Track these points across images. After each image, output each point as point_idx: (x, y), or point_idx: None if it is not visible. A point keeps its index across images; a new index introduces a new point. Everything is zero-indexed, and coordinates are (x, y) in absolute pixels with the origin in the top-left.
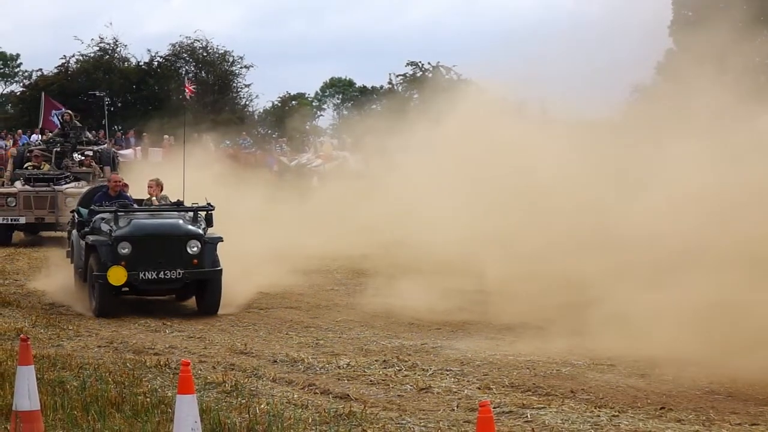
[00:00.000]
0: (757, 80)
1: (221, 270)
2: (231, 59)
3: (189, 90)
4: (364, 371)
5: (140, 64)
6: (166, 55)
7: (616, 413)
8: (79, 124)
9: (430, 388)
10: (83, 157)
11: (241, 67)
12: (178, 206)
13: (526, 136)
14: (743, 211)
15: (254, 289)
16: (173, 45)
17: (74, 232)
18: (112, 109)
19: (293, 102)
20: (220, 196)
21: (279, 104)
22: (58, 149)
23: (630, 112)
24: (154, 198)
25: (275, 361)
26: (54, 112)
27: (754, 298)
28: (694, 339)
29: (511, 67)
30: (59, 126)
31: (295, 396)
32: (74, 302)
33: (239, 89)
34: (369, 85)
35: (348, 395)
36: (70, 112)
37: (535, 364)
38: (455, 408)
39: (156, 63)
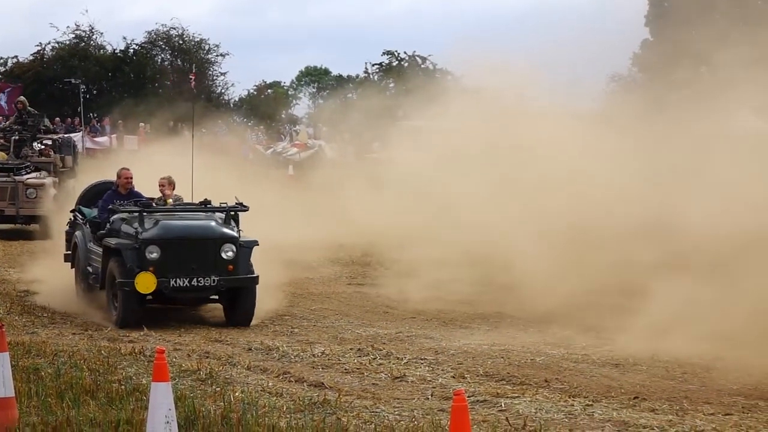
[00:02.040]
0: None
1: (257, 277)
2: (207, 47)
3: (194, 79)
4: (339, 359)
5: (116, 51)
6: (142, 43)
7: (590, 402)
8: (34, 111)
9: (405, 376)
10: (42, 146)
11: (217, 55)
12: (206, 206)
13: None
14: None
15: None
16: (149, 32)
17: (77, 234)
18: (87, 96)
19: (269, 90)
20: (204, 185)
21: (255, 92)
22: (17, 138)
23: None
24: (170, 200)
25: (250, 349)
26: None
27: None
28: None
29: (487, 57)
30: (11, 111)
31: (270, 384)
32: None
33: (215, 77)
34: (345, 74)
35: (323, 383)
36: (23, 99)
37: (510, 353)
38: (429, 397)
39: (132, 50)
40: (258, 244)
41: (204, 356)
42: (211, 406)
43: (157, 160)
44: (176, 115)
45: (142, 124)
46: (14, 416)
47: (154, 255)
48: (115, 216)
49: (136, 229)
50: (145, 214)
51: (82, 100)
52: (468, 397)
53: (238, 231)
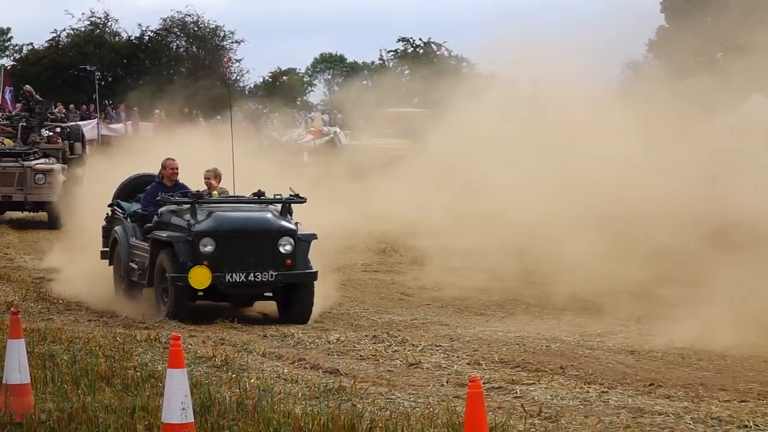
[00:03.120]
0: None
1: (316, 273)
2: (222, 34)
3: (228, 67)
4: (354, 346)
5: (131, 38)
6: (157, 30)
7: (606, 389)
8: (41, 98)
9: (420, 363)
10: (50, 133)
11: (232, 42)
12: (260, 197)
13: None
14: None
15: None
16: (164, 19)
17: (117, 229)
18: (102, 83)
19: (284, 77)
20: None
21: (270, 79)
22: (24, 124)
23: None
24: (215, 192)
25: (265, 336)
26: (8, 89)
27: None
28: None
29: (503, 44)
30: (17, 103)
31: (285, 371)
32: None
33: (231, 64)
34: (360, 61)
35: (338, 370)
36: (29, 87)
37: (525, 340)
38: (445, 383)
39: (147, 37)
40: (316, 238)
41: (219, 343)
42: (227, 392)
43: (173, 147)
44: (192, 102)
45: (157, 111)
46: (30, 402)
47: (209, 248)
48: (163, 208)
49: (188, 221)
50: (197, 205)
51: (97, 87)
52: (483, 383)
53: (297, 224)
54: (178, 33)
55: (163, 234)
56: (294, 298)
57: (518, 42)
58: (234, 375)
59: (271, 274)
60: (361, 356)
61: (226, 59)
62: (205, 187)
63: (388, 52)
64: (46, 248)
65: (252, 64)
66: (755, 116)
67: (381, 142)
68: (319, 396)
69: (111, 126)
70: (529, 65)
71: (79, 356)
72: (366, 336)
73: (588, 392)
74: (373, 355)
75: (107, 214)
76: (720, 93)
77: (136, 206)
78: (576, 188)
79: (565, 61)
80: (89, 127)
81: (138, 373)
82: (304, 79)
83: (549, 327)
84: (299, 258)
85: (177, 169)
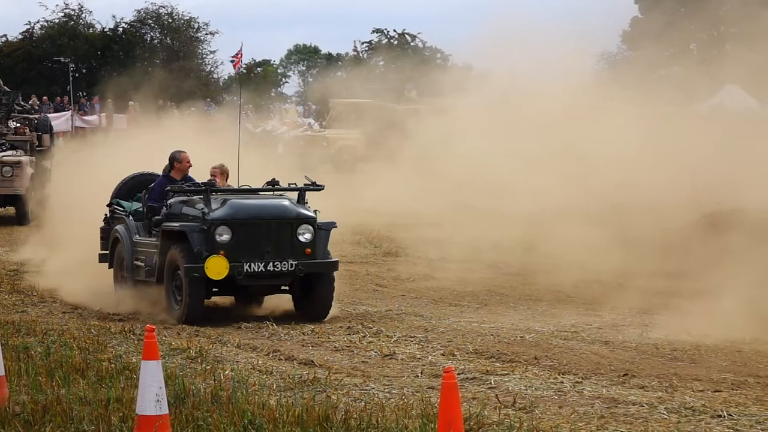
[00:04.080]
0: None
1: (337, 262)
2: (196, 26)
3: (239, 58)
4: (329, 338)
5: (105, 30)
6: (131, 21)
7: (580, 380)
8: (8, 89)
9: (395, 354)
10: (18, 125)
11: (206, 34)
12: (274, 185)
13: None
14: None
15: None
16: (138, 11)
17: (119, 228)
18: (77, 75)
19: (258, 69)
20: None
21: (244, 71)
22: None
23: None
24: None
25: (240, 327)
26: None
27: None
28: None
29: (478, 36)
30: None
31: (260, 362)
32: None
33: (204, 56)
34: (334, 52)
35: (312, 361)
36: None
37: (499, 330)
38: (419, 374)
39: (121, 29)
40: (336, 226)
41: (194, 334)
42: (201, 384)
43: (148, 140)
44: (166, 94)
45: (131, 102)
46: (4, 395)
47: (225, 237)
48: (173, 199)
49: (202, 209)
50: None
51: (71, 79)
52: (458, 374)
53: (315, 212)
54: (153, 25)
55: (176, 224)
56: (312, 291)
57: (493, 33)
58: (208, 366)
59: (291, 264)
60: (335, 347)
61: (239, 52)
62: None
63: (362, 43)
64: (19, 240)
65: (226, 56)
66: (729, 106)
67: (332, 133)
68: (293, 387)
69: (85, 118)
70: (504, 57)
71: (53, 348)
72: (341, 327)
73: (562, 382)
74: (347, 346)
75: (105, 215)
76: (694, 83)
77: (137, 205)
78: (562, 180)
79: (539, 53)
80: (63, 119)
81: (112, 365)
82: (279, 71)
83: (523, 318)
84: (319, 247)
85: (190, 162)
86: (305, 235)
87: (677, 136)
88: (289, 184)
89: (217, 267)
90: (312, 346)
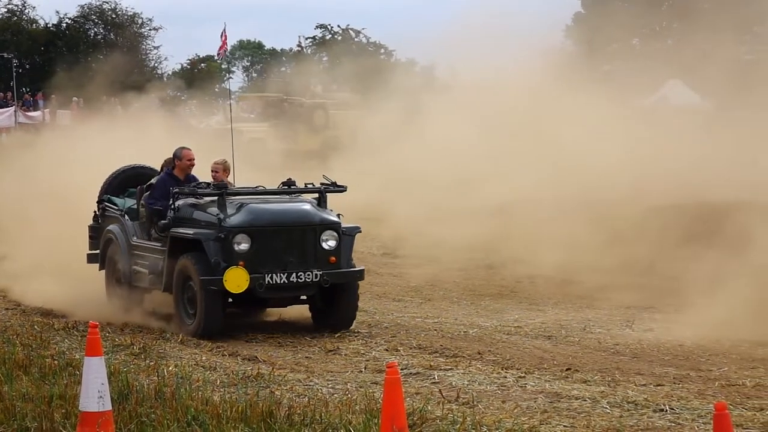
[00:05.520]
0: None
1: (363, 271)
2: (140, 21)
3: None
4: (272, 333)
5: (49, 25)
6: (75, 17)
7: (523, 374)
8: None
9: (338, 349)
10: None
11: (150, 29)
12: (290, 186)
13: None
14: None
15: None
16: (82, 7)
17: (113, 228)
18: (20, 71)
19: (202, 64)
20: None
21: (188, 66)
22: None
23: None
24: None
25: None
26: None
27: None
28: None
29: (421, 31)
30: None
31: (204, 358)
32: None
33: (148, 51)
34: (278, 48)
35: (256, 357)
36: None
37: (443, 325)
38: (363, 369)
39: (65, 25)
40: (360, 231)
41: (137, 331)
42: (145, 380)
43: (90, 135)
44: (109, 89)
45: (75, 98)
46: None
47: (244, 246)
48: (180, 202)
49: (217, 215)
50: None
51: (14, 74)
52: (401, 369)
53: (339, 215)
54: (96, 20)
55: (189, 231)
56: (335, 301)
57: (436, 29)
58: (152, 363)
59: (316, 274)
60: (279, 343)
61: (222, 43)
62: (211, 181)
63: (306, 38)
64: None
65: (170, 51)
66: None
67: (242, 126)
68: (237, 383)
69: (29, 114)
70: (446, 52)
71: None
72: (284, 323)
73: (505, 377)
74: (291, 342)
75: (95, 212)
76: (637, 78)
77: (131, 202)
78: (506, 177)
79: (483, 47)
80: (6, 115)
81: (56, 362)
82: (222, 66)
83: (467, 313)
84: (344, 254)
85: (194, 160)
86: (330, 242)
87: (621, 133)
88: (305, 184)
89: (236, 279)
90: (255, 342)
